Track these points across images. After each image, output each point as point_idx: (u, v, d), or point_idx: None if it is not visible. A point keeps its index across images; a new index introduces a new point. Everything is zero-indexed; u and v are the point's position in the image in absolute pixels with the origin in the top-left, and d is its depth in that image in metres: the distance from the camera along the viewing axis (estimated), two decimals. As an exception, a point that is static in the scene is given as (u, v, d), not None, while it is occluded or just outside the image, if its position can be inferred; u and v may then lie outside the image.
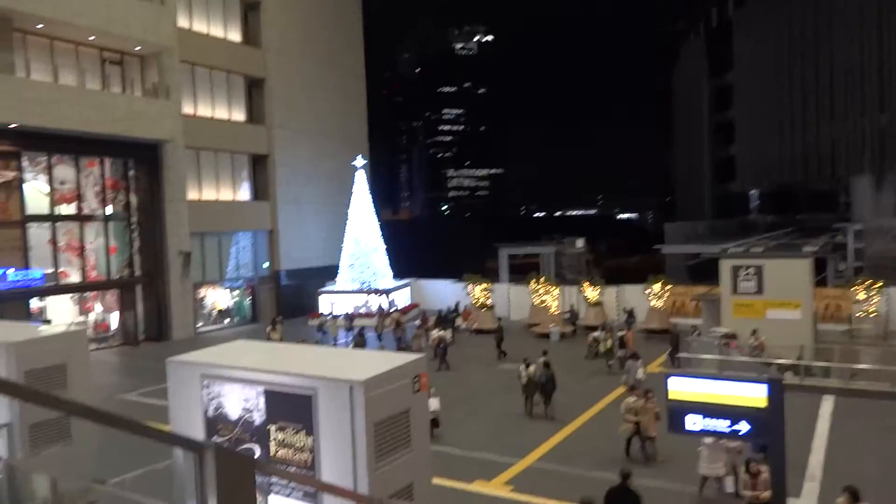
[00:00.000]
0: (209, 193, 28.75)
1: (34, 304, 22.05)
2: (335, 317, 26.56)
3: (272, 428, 6.21)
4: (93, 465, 9.02)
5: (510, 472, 11.34)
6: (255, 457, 6.35)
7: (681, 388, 7.69)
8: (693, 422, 7.51)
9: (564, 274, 33.53)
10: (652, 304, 24.24)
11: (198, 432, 6.77)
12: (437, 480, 9.63)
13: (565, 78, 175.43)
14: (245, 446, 6.41)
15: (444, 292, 30.35)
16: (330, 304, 29.16)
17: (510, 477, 11.12)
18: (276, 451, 6.21)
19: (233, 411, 6.50)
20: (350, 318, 26.33)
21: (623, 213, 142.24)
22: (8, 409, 8.75)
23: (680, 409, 7.64)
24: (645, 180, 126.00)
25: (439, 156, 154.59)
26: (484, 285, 26.87)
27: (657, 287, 24.14)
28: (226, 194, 29.82)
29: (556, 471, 11.31)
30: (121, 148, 23.82)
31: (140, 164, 24.75)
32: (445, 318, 25.36)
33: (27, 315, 21.15)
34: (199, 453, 1.36)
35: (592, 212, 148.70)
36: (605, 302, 25.78)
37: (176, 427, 7.16)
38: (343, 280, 30.12)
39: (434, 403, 13.21)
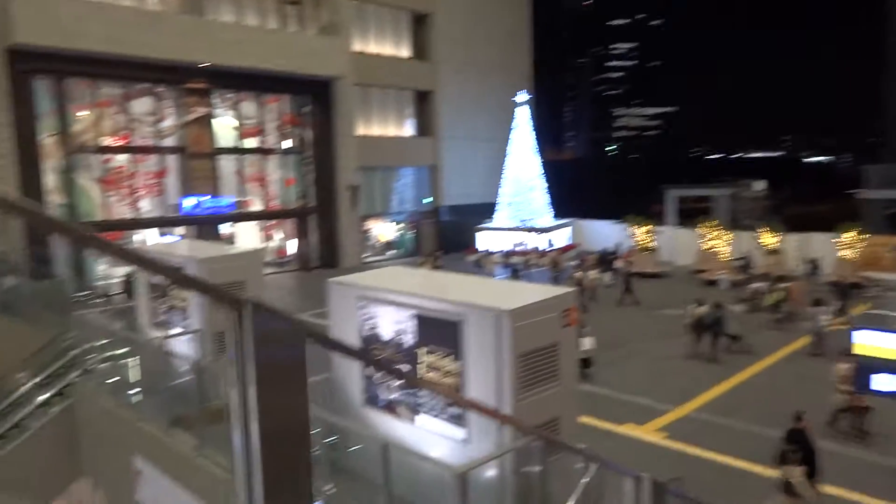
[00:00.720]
0: (376, 129, 29.81)
1: (224, 229, 24.45)
2: (491, 253, 26.81)
3: (422, 351, 6.35)
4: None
5: (665, 418, 10.89)
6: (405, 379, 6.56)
7: (868, 342, 6.80)
8: (882, 381, 6.64)
9: (739, 219, 31.06)
10: (841, 254, 21.75)
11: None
12: (584, 419, 9.48)
13: (751, 4, 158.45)
14: (396, 366, 6.63)
15: (605, 233, 29.43)
16: (487, 240, 29.46)
17: (664, 424, 10.68)
18: (425, 374, 6.36)
19: (385, 332, 6.73)
20: (507, 255, 26.43)
21: (813, 156, 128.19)
22: (199, 317, 9.79)
23: (866, 367, 6.78)
24: (844, 117, 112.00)
25: (607, 94, 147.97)
26: (648, 227, 25.63)
27: (849, 236, 21.58)
28: (391, 130, 30.75)
29: (715, 422, 10.68)
30: (297, 85, 25.23)
31: (314, 100, 26.11)
32: (605, 260, 24.64)
33: (217, 239, 23.54)
34: (238, 309, 1.32)
35: (776, 154, 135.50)
36: (784, 251, 23.54)
37: (335, 344, 7.58)
38: (501, 217, 30.20)
39: (587, 342, 12.94)
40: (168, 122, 22.28)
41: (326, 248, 26.92)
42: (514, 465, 5.74)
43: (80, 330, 11.56)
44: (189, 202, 22.30)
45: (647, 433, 10.30)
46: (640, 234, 25.51)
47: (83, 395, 11.11)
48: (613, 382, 12.61)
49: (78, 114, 20.47)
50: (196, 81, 22.18)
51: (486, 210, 31.21)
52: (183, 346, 9.94)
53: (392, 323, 6.64)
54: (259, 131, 25.16)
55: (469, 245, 29.73)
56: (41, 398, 11.88)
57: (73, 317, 11.96)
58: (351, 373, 7.18)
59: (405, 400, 6.57)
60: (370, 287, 7.02)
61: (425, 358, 6.37)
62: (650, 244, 25.31)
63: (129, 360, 10.20)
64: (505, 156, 30.49)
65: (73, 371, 11.70)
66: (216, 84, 22.96)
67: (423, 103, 31.57)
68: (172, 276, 1.41)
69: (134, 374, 10.06)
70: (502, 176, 30.52)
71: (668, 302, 19.04)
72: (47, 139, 19.56)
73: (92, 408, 10.80)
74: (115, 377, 10.41)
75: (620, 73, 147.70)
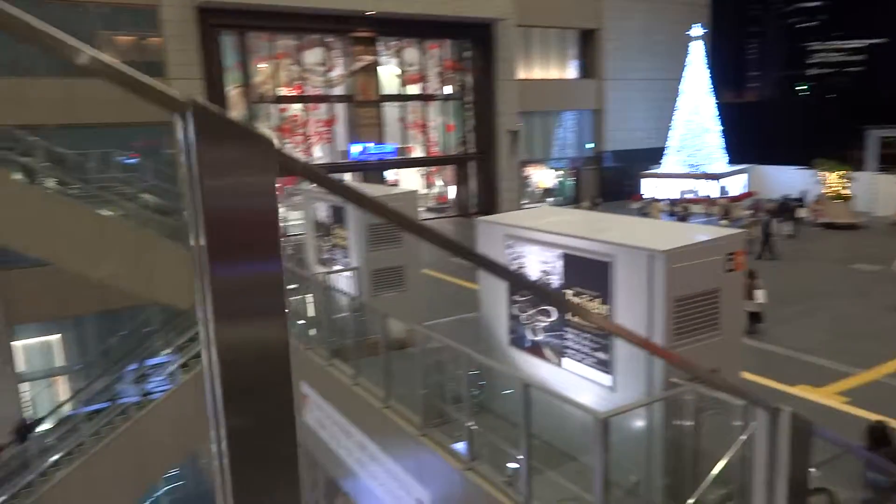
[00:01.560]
0: (537, 72, 29.03)
1: (388, 175, 25.37)
2: (657, 201, 25.39)
3: (568, 293, 6.10)
4: (420, 311, 10.15)
5: (847, 382, 9.75)
6: (551, 320, 6.36)
7: None
8: None
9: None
10: None
11: (500, 290, 7.02)
12: (750, 376, 8.73)
13: None
14: (540, 308, 6.44)
15: (787, 180, 26.66)
16: (653, 187, 27.91)
17: (846, 388, 9.56)
18: (570, 317, 6.12)
19: (532, 272, 6.54)
20: (674, 203, 24.90)
21: None
22: (357, 256, 10.20)
23: None
24: None
25: (800, 26, 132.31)
26: (842, 173, 22.79)
27: None
28: (553, 73, 29.79)
29: (912, 391, 9.39)
30: (459, 29, 25.12)
31: (475, 44, 25.89)
32: (786, 208, 22.36)
33: (382, 184, 24.47)
34: (178, 110, 0.91)
35: None
36: None
37: (481, 284, 7.53)
38: (669, 163, 28.40)
39: (760, 296, 11.89)
40: (337, 72, 23.26)
41: (485, 194, 27.01)
42: (665, 417, 5.38)
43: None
44: (356, 149, 23.32)
45: (825, 397, 9.28)
46: (832, 180, 22.78)
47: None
48: (788, 340, 11.48)
49: (258, 66, 22.00)
50: (363, 30, 22.83)
51: (653, 155, 29.50)
52: (343, 282, 10.42)
53: (539, 263, 6.43)
54: (421, 78, 25.52)
55: (632, 192, 28.38)
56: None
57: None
58: (498, 312, 7.11)
59: (551, 342, 6.39)
60: (518, 225, 6.83)
61: (573, 300, 6.12)
62: (844, 192, 22.54)
63: (298, 294, 10.96)
64: (675, 97, 28.42)
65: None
66: (381, 32, 23.49)
67: (586, 43, 30.16)
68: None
69: (302, 307, 10.80)
70: (672, 119, 28.56)
71: (863, 256, 16.92)
72: (233, 91, 21.27)
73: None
74: (287, 310, 11.26)
75: (817, 2, 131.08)
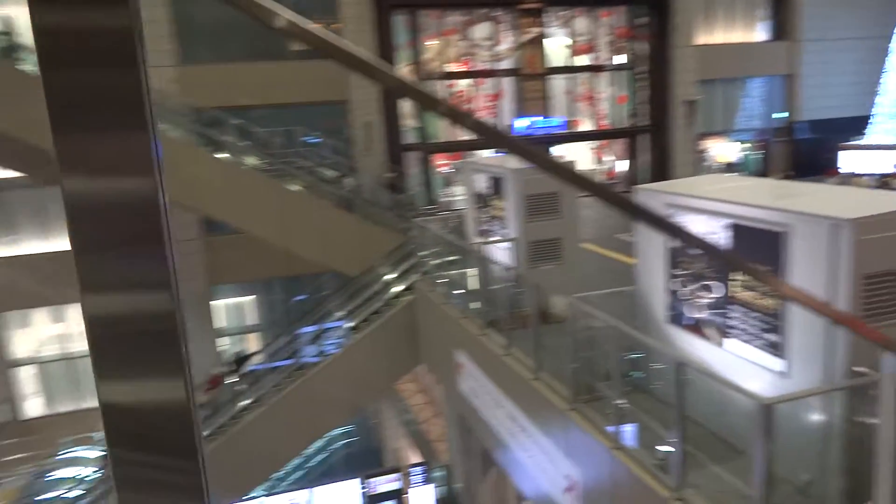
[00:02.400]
0: (719, 36, 26.79)
1: (556, 150, 24.89)
2: (859, 176, 22.52)
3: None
4: (576, 284, 9.88)
5: None
6: (714, 296, 5.85)
7: None
8: None
9: None
10: None
11: (658, 263, 6.59)
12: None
13: None
14: (703, 283, 5.95)
15: None
16: (855, 161, 24.76)
17: None
18: (737, 293, 5.58)
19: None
20: (882, 178, 21.95)
21: None
22: (514, 227, 10.14)
23: None
24: None
25: None
26: None
27: None
28: (737, 36, 27.32)
29: None
30: (633, -6, 23.92)
31: (650, 10, 24.45)
32: None
33: (548, 159, 24.06)
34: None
35: None
36: None
37: (639, 255, 7.13)
38: (876, 133, 25.00)
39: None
40: (504, 46, 23.17)
41: (657, 169, 25.61)
42: (847, 411, 4.74)
43: (422, 236, 13.00)
44: (522, 123, 23.15)
45: None
46: None
47: (422, 292, 12.57)
48: None
49: (427, 43, 22.53)
50: (531, 2, 22.49)
51: (855, 125, 26.12)
52: (501, 253, 10.42)
53: (703, 234, 5.92)
54: (591, 48, 24.64)
55: (830, 166, 25.38)
56: (394, 291, 13.84)
57: (418, 225, 13.46)
58: (656, 287, 6.70)
59: (713, 320, 5.89)
60: (681, 193, 6.34)
61: (739, 276, 5.58)
62: None
63: (457, 265, 11.16)
64: (884, 58, 24.87)
65: (415, 271, 13.32)
66: (550, 2, 22.97)
67: (779, 0, 27.26)
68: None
69: (460, 278, 10.98)
70: (880, 83, 25.06)
71: None
72: (403, 69, 21.99)
73: (428, 305, 12.18)
74: (446, 279, 11.52)
75: None
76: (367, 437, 21.00)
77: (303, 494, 11.80)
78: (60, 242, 18.76)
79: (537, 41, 23.15)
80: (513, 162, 12.37)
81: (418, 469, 12.48)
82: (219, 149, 15.82)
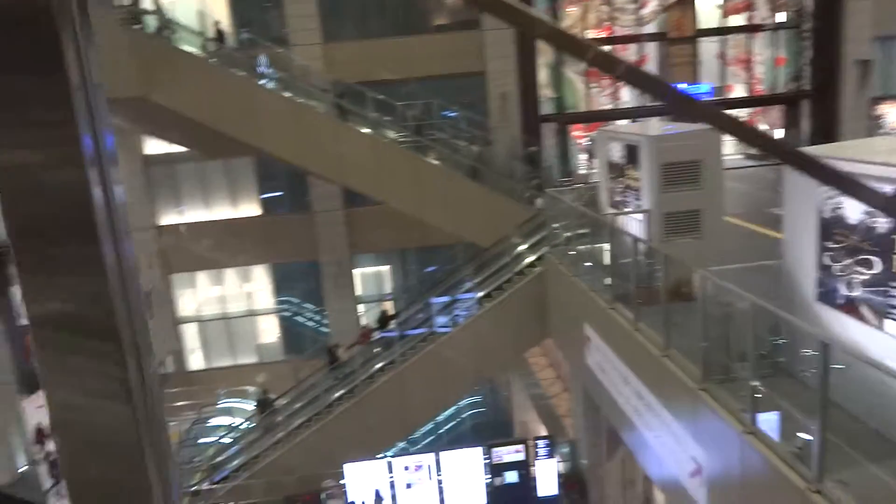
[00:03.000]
0: (903, -14, 23.59)
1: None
2: None
3: (902, 241, 4.88)
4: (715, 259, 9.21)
5: None
6: (873, 272, 5.18)
7: None
8: None
9: None
10: None
11: (809, 236, 5.94)
12: None
13: None
14: (860, 257, 5.28)
15: None
16: None
17: None
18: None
19: (852, 214, 5.38)
20: None
21: None
22: (649, 198, 9.62)
23: None
24: None
25: None
26: None
27: None
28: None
29: None
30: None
31: (819, -40, 22.02)
32: None
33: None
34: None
35: None
36: None
37: (787, 230, 6.48)
38: None
39: None
40: (649, 8, 21.92)
41: (821, 137, 23.20)
42: None
43: (554, 208, 12.71)
44: (666, 90, 21.86)
45: None
46: None
47: (552, 265, 12.34)
48: None
49: (568, 9, 21.82)
50: (680, -40, 21.04)
51: None
52: (634, 226, 9.97)
53: (861, 203, 5.24)
54: (747, 6, 22.67)
55: None
56: (525, 262, 13.72)
57: (550, 196, 13.18)
58: (805, 261, 6.06)
59: (872, 299, 5.22)
60: (839, 157, 5.65)
61: (906, 249, 4.89)
62: None
63: (587, 237, 10.80)
64: None
65: (546, 243, 13.08)
66: (701, -41, 21.38)
67: None
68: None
69: (590, 250, 10.63)
70: None
71: None
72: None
73: (558, 277, 11.94)
74: (576, 252, 11.21)
75: None
76: (497, 409, 21.17)
77: (429, 458, 12.11)
78: (220, 211, 20.44)
79: (686, 2, 21.66)
80: (650, 128, 11.72)
81: (543, 442, 12.37)
82: (359, 123, 16.38)
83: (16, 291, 20.28)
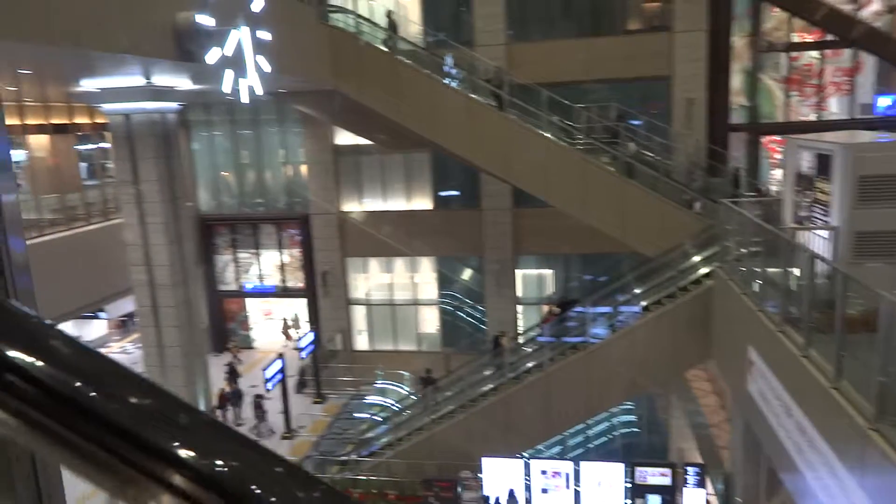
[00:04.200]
0: None
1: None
2: None
3: None
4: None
5: None
6: None
7: None
8: None
9: None
10: None
11: None
12: None
13: None
14: None
15: None
16: None
17: None
18: None
19: None
20: None
21: None
22: (839, 214, 8.59)
23: None
24: None
25: None
26: None
27: None
28: None
29: None
30: None
31: None
32: None
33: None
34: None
35: None
36: None
37: None
38: None
39: None
40: (872, 9, 19.48)
41: None
42: None
43: (730, 221, 11.77)
44: (884, 101, 19.31)
45: None
46: None
47: (721, 280, 11.45)
48: None
49: (772, 12, 20.05)
50: (916, -47, 18.46)
51: None
52: (818, 243, 8.97)
53: None
54: None
55: None
56: (692, 277, 12.89)
57: (727, 208, 12.21)
58: None
59: None
60: None
61: None
62: None
63: (762, 253, 9.85)
64: None
65: (718, 258, 12.16)
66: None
67: None
68: None
69: (763, 267, 9.69)
70: None
71: None
72: (739, 41, 19.97)
73: (726, 295, 11.05)
74: (747, 268, 10.28)
75: None
76: (653, 432, 20.09)
77: (567, 466, 11.79)
78: (396, 203, 21.49)
79: (918, 1, 18.94)
80: (852, 137, 10.50)
81: (694, 470, 11.50)
82: (532, 121, 16.33)
83: (218, 260, 22.90)
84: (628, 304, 13.11)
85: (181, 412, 0.52)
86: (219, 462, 0.49)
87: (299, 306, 22.68)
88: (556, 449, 17.77)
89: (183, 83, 12.67)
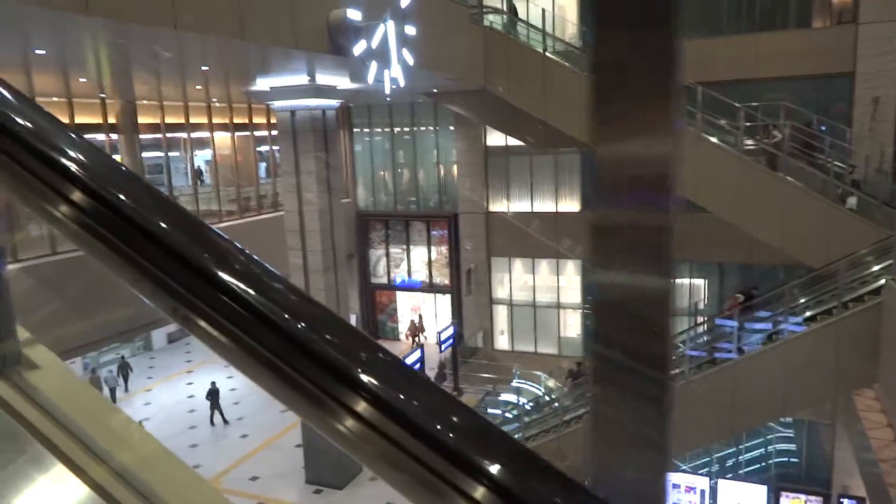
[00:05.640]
0: None
1: None
2: None
3: None
4: None
5: None
6: None
7: None
8: None
9: None
10: None
11: None
12: None
13: None
14: None
15: None
16: None
17: None
18: None
19: None
20: None
21: None
22: None
23: None
24: None
25: None
26: None
27: None
28: None
29: None
30: None
31: None
32: None
33: None
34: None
35: None
36: None
37: None
38: None
39: None
40: None
41: None
42: None
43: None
44: None
45: None
46: None
47: (893, 295, 10.24)
48: None
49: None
50: None
51: None
52: None
53: None
54: None
55: None
56: (867, 289, 11.60)
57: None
58: None
59: None
60: None
61: None
62: None
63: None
64: None
65: (890, 272, 10.87)
66: None
67: None
68: None
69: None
70: None
71: None
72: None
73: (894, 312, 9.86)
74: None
75: None
76: (813, 464, 18.22)
77: (703, 482, 11.07)
78: (544, 204, 21.40)
79: None
80: None
81: (850, 502, 10.31)
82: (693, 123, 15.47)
83: (372, 254, 24.17)
84: (787, 314, 12.06)
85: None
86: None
87: (444, 302, 23.30)
88: (702, 469, 16.72)
89: (340, 81, 13.59)
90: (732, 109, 15.71)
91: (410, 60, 10.97)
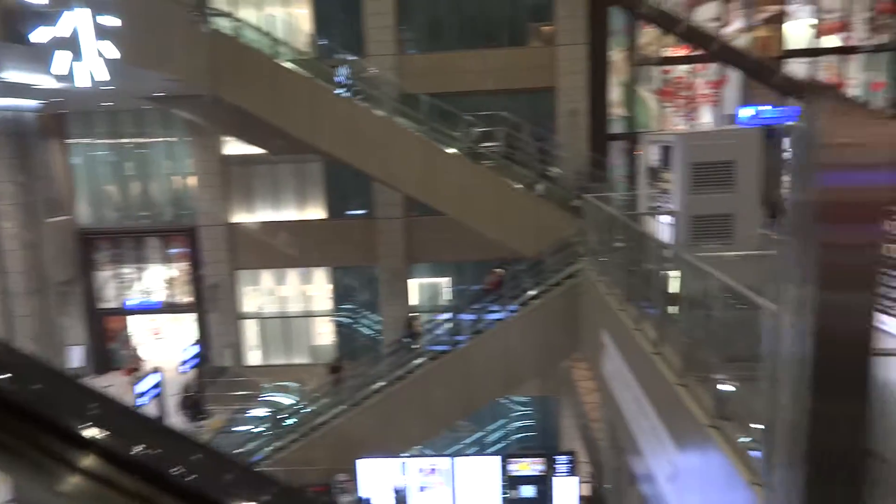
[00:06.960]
0: None
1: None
2: None
3: None
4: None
5: None
6: None
7: None
8: None
9: None
10: None
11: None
12: None
13: None
14: None
15: None
16: None
17: None
18: None
19: None
20: None
21: None
22: (678, 200, 9.08)
23: None
24: None
25: None
26: None
27: None
28: None
29: None
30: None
31: (929, -19, 20.37)
32: None
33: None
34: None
35: None
36: None
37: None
38: None
39: None
40: (734, 27, 20.96)
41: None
42: None
43: (592, 215, 12.21)
44: (746, 112, 20.71)
45: None
46: None
47: (587, 276, 11.85)
48: None
49: (645, 28, 21.20)
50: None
51: None
52: (666, 231, 9.44)
53: None
54: (842, 27, 21.22)
55: None
56: (562, 274, 13.27)
57: (590, 203, 12.68)
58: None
59: None
60: None
61: None
62: None
63: (614, 241, 10.29)
64: None
65: (583, 253, 12.60)
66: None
67: None
68: None
69: (611, 253, 10.12)
70: None
71: None
72: (616, 55, 20.99)
73: (588, 287, 11.44)
74: (602, 257, 10.70)
75: None
76: (547, 432, 20.45)
77: (444, 462, 11.78)
78: (288, 213, 21.13)
79: (775, 20, 20.57)
80: (687, 129, 11.12)
81: (564, 458, 11.76)
82: (415, 127, 16.46)
83: (97, 276, 21.75)
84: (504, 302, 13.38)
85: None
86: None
87: (188, 322, 21.81)
88: (449, 451, 17.74)
89: (38, 78, 12.03)
90: (459, 118, 17.02)
91: (114, 54, 10.10)
